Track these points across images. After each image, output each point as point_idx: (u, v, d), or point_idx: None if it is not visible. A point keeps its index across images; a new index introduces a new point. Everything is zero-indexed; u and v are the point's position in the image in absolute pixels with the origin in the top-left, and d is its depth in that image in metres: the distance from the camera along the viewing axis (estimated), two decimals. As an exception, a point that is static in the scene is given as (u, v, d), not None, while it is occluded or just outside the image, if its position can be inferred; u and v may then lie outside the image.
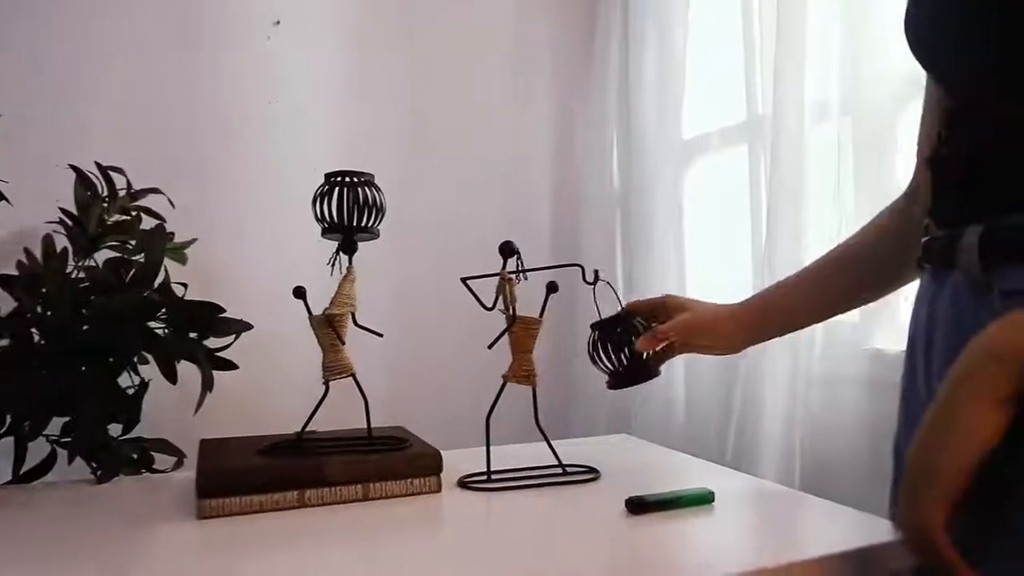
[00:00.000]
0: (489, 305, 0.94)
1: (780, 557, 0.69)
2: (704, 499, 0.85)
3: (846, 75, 1.20)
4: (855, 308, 0.95)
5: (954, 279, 0.62)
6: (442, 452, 0.93)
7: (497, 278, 0.94)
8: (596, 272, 0.95)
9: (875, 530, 0.77)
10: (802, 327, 0.99)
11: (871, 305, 0.96)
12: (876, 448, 1.10)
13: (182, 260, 1.24)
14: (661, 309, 0.98)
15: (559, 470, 0.97)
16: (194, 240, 1.27)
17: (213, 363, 1.08)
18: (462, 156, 1.77)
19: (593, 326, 0.98)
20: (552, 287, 0.95)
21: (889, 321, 1.15)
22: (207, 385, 1.07)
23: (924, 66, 0.71)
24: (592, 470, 0.98)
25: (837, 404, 1.21)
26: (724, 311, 0.95)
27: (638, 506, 0.80)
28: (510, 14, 1.85)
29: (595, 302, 0.97)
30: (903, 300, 1.07)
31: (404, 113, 1.71)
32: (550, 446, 0.99)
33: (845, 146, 1.20)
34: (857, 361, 1.19)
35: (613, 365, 0.96)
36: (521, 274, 0.94)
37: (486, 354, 0.99)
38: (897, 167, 1.13)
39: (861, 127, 1.17)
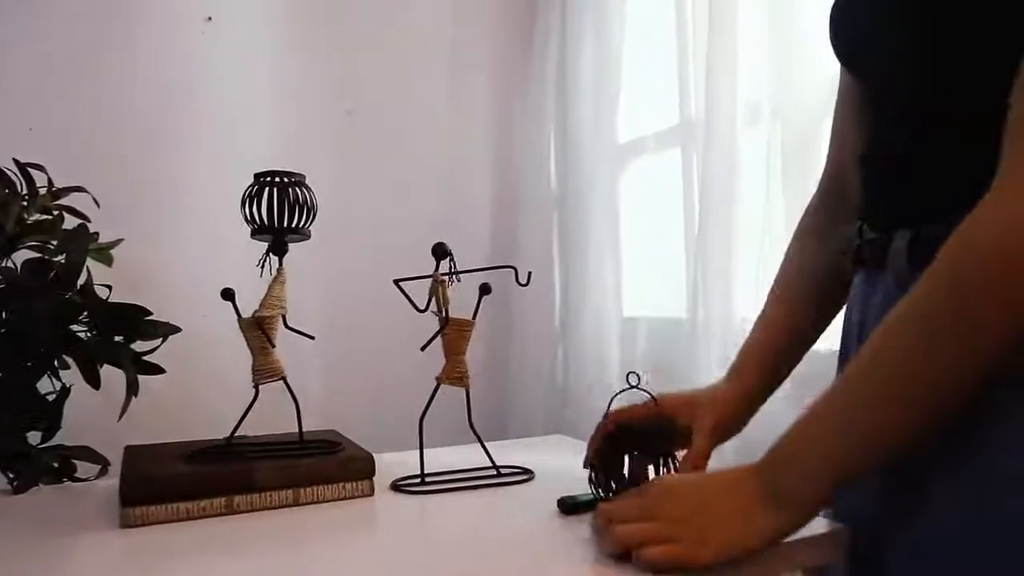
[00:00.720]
0: (422, 307, 0.94)
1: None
2: None
3: (776, 80, 1.23)
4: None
5: (886, 281, 0.64)
6: (377, 455, 0.92)
7: (430, 280, 0.94)
8: (529, 274, 0.96)
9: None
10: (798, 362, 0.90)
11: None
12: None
13: (107, 261, 1.20)
14: (661, 417, 0.86)
15: (493, 472, 0.97)
16: (120, 240, 1.24)
17: (139, 367, 1.05)
18: (398, 156, 1.76)
19: (604, 439, 0.85)
20: (485, 289, 0.95)
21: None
22: (132, 390, 1.04)
23: (851, 70, 0.73)
24: (526, 471, 0.99)
25: (771, 401, 1.24)
26: (737, 393, 0.86)
27: (570, 507, 0.81)
28: (447, 14, 1.85)
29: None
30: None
31: (339, 112, 1.69)
32: (484, 448, 0.99)
33: (775, 149, 1.23)
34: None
35: (611, 491, 0.82)
36: (454, 276, 0.93)
37: (421, 356, 0.98)
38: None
39: (790, 130, 1.21)
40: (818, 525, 0.78)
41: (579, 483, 0.90)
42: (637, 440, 0.83)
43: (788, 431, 0.61)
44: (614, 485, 0.81)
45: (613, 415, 0.86)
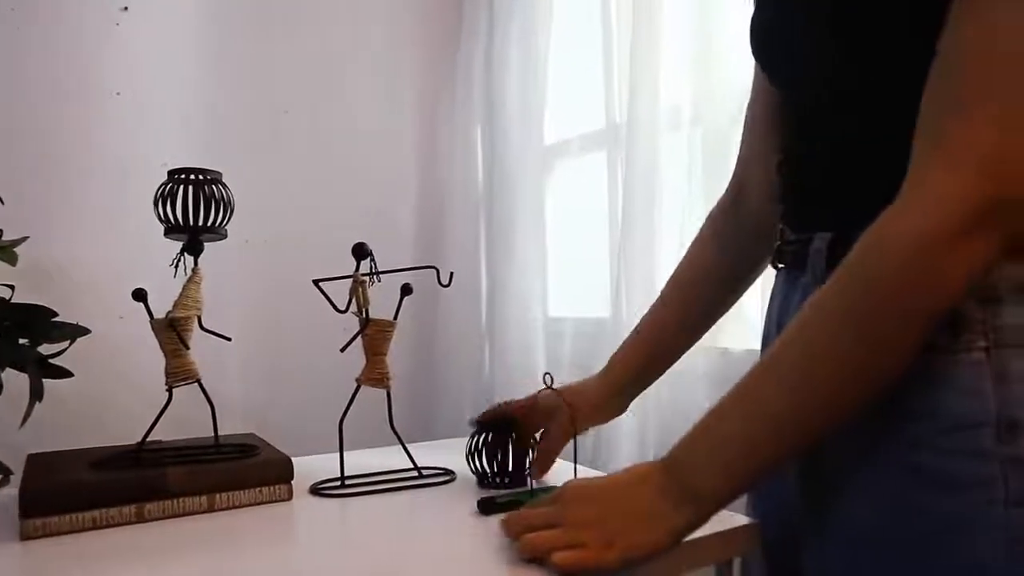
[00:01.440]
0: (342, 307, 0.93)
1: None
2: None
3: (696, 85, 1.26)
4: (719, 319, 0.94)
5: (805, 280, 0.66)
6: (296, 459, 0.91)
7: (351, 280, 0.93)
8: (451, 275, 0.95)
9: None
10: (677, 358, 0.94)
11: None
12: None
13: (11, 260, 1.14)
14: (536, 410, 0.93)
15: (415, 473, 0.96)
16: (25, 238, 1.18)
17: (44, 371, 1.01)
18: (323, 155, 1.73)
19: (478, 425, 0.94)
20: (406, 289, 0.95)
21: (736, 321, 1.22)
22: (36, 394, 0.99)
23: (771, 77, 0.74)
24: (447, 472, 0.98)
25: (688, 400, 1.27)
26: (601, 388, 0.92)
27: (489, 507, 0.81)
28: (376, 11, 1.83)
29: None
30: (752, 301, 1.14)
31: (262, 109, 1.66)
32: (405, 449, 0.98)
33: (695, 153, 1.26)
34: (708, 358, 1.25)
35: (491, 471, 0.93)
36: (374, 276, 0.93)
37: (343, 357, 0.97)
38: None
39: (710, 135, 1.24)
40: (732, 520, 0.81)
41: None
42: (511, 430, 0.92)
43: (695, 426, 0.62)
44: (488, 472, 0.92)
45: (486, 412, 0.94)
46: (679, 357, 0.92)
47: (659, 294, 0.92)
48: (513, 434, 0.92)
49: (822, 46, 0.63)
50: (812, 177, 0.67)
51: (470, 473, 0.96)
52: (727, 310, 0.91)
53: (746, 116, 0.84)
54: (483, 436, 0.92)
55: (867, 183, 0.59)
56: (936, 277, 0.50)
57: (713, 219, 0.89)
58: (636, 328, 0.92)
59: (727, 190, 0.87)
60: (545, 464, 0.93)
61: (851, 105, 0.61)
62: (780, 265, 0.73)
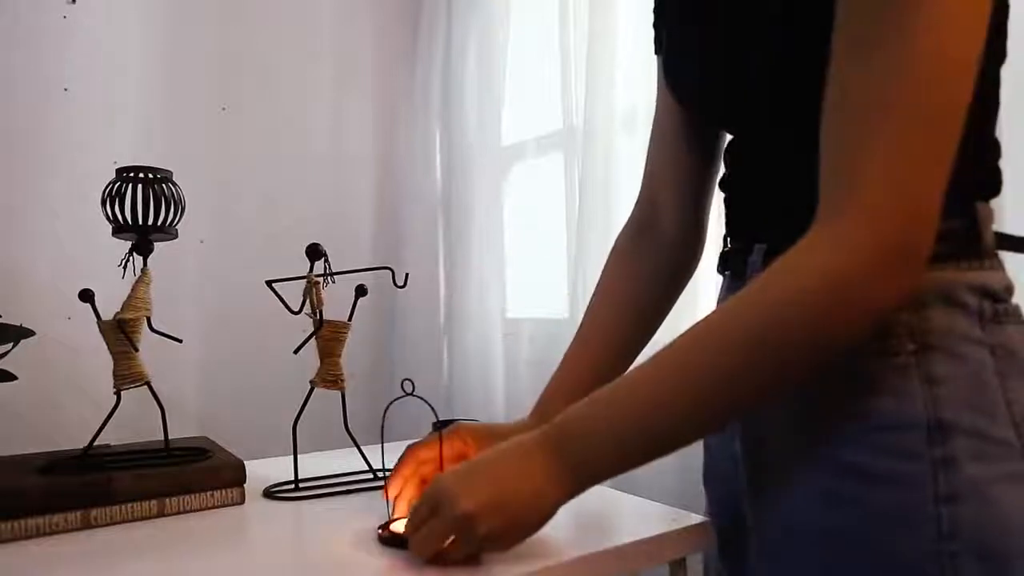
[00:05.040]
0: (296, 309, 0.92)
1: (578, 551, 0.72)
2: None
3: (652, 89, 1.26)
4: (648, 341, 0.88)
5: (745, 287, 0.67)
6: (250, 462, 0.90)
7: (304, 281, 0.92)
8: (406, 275, 0.95)
9: (663, 520, 0.82)
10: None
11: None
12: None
13: (-48, 260, 1.11)
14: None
15: (370, 475, 0.96)
16: (-34, 238, 1.15)
17: (-14, 374, 0.98)
18: (279, 154, 1.71)
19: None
20: (361, 291, 0.94)
21: (689, 321, 1.23)
22: (-22, 398, 0.97)
23: (694, 111, 0.76)
24: (404, 473, 0.98)
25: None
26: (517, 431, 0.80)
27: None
28: (334, 10, 1.81)
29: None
30: (703, 308, 1.16)
31: (215, 106, 1.63)
32: (360, 451, 0.97)
33: (650, 155, 1.27)
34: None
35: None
36: (329, 277, 0.92)
37: (298, 359, 0.96)
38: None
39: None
40: (686, 519, 0.82)
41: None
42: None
43: (586, 402, 0.61)
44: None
45: (399, 463, 0.79)
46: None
47: (577, 331, 0.86)
48: None
49: (751, 78, 0.63)
50: (749, 194, 0.70)
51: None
52: (657, 328, 0.87)
53: (652, 135, 0.84)
54: None
55: (799, 197, 0.60)
56: (843, 314, 0.52)
57: (625, 242, 0.86)
58: (564, 367, 0.86)
59: (635, 211, 0.86)
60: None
61: (782, 130, 0.63)
62: (726, 272, 0.75)
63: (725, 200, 0.74)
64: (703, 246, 0.84)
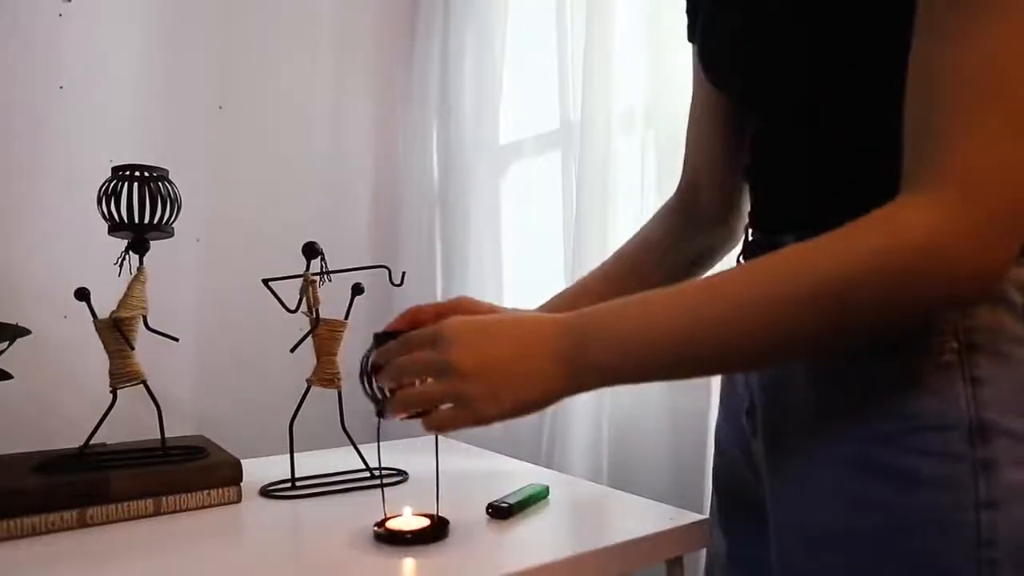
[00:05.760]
0: (293, 307, 0.92)
1: (575, 549, 0.72)
2: (543, 495, 0.88)
3: (650, 87, 1.27)
4: None
5: None
6: (247, 461, 0.90)
7: (301, 280, 0.92)
8: (403, 274, 0.95)
9: (660, 518, 0.82)
10: None
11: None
12: (679, 441, 1.18)
13: (-53, 258, 1.11)
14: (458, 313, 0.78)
15: (367, 474, 0.96)
16: (-38, 236, 1.15)
17: (-18, 373, 0.98)
18: (275, 152, 1.70)
19: (377, 337, 0.68)
20: (357, 289, 0.94)
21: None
22: (-26, 397, 0.97)
23: (728, 91, 0.75)
24: (400, 472, 0.98)
25: (644, 401, 1.28)
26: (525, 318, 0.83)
27: (501, 511, 0.81)
28: (331, 8, 1.81)
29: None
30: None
31: (210, 105, 1.62)
32: (357, 450, 0.97)
33: (648, 154, 1.27)
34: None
35: (373, 393, 0.69)
36: (325, 276, 0.92)
37: (295, 357, 0.96)
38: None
39: (663, 136, 1.25)
40: (683, 517, 0.82)
41: (457, 483, 0.89)
42: None
43: (619, 304, 0.57)
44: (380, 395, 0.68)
45: (397, 319, 0.72)
46: None
47: (599, 265, 0.85)
48: None
49: (790, 63, 0.63)
50: (777, 182, 0.68)
51: (423, 473, 0.95)
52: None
53: (690, 122, 0.84)
54: (368, 352, 0.69)
55: (833, 187, 0.59)
56: (940, 272, 0.48)
57: (664, 214, 0.87)
58: (575, 285, 0.85)
59: (677, 191, 0.87)
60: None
61: (816, 112, 0.62)
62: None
63: (751, 189, 0.73)
64: (740, 234, 0.84)
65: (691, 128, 0.84)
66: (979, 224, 0.48)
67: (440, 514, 0.78)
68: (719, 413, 0.77)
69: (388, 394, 0.65)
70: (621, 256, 0.86)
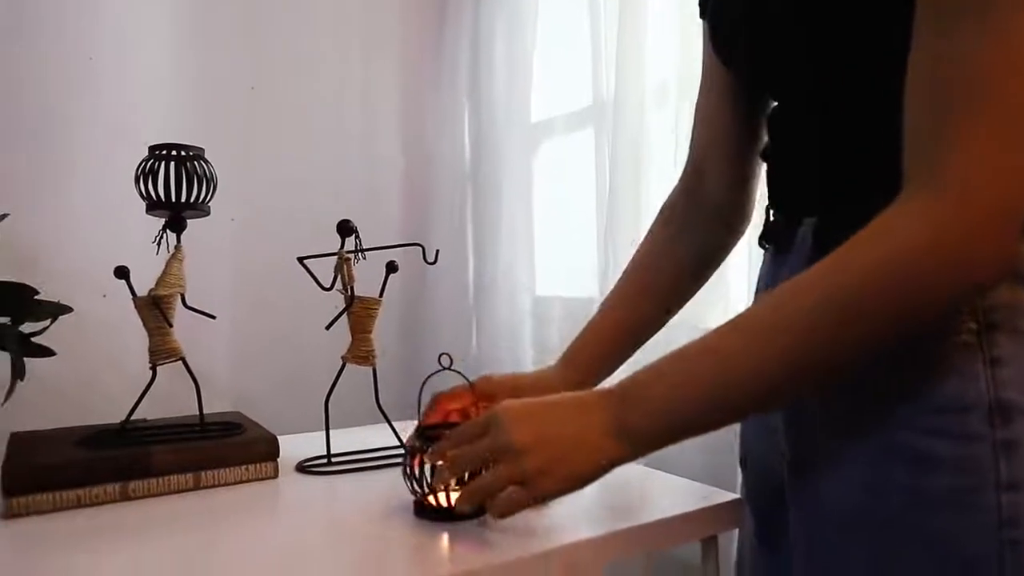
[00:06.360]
0: (327, 285, 0.92)
1: (611, 526, 0.72)
2: None
3: (683, 62, 1.25)
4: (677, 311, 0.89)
5: (792, 261, 0.66)
6: (283, 437, 0.91)
7: (335, 258, 0.92)
8: (436, 252, 0.95)
9: (694, 497, 0.82)
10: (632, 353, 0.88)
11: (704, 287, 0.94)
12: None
13: (-9, 237, 1.13)
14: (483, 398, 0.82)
15: (401, 450, 0.96)
16: (5, 215, 1.17)
17: (25, 349, 1.00)
18: (309, 132, 1.71)
19: (419, 431, 0.76)
20: (392, 267, 0.94)
21: (721, 300, 1.22)
22: (17, 373, 0.98)
23: (739, 72, 0.74)
24: (435, 449, 0.98)
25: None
26: (555, 384, 0.82)
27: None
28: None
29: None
30: (737, 280, 1.14)
31: (243, 83, 1.63)
32: (391, 427, 0.98)
33: (682, 130, 1.25)
34: (691, 337, 1.24)
35: (418, 492, 0.74)
36: (360, 253, 0.92)
37: (330, 335, 0.97)
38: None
39: (696, 112, 1.23)
40: (717, 496, 0.82)
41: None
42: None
43: (652, 366, 0.60)
44: (428, 479, 0.72)
45: (427, 411, 0.81)
46: (640, 346, 0.88)
47: (614, 288, 0.87)
48: None
49: (803, 36, 0.62)
50: (797, 164, 0.67)
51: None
52: (690, 298, 0.88)
53: (699, 102, 0.82)
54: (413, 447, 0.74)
55: (853, 169, 0.58)
56: (947, 275, 0.48)
57: (669, 208, 0.86)
58: (594, 320, 0.87)
59: (682, 178, 0.85)
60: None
61: (835, 94, 0.61)
62: (767, 246, 0.73)
63: (768, 171, 0.72)
64: (750, 217, 0.83)
65: (699, 111, 0.82)
66: (977, 213, 0.48)
67: None
68: None
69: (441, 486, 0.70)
70: (636, 267, 0.87)
